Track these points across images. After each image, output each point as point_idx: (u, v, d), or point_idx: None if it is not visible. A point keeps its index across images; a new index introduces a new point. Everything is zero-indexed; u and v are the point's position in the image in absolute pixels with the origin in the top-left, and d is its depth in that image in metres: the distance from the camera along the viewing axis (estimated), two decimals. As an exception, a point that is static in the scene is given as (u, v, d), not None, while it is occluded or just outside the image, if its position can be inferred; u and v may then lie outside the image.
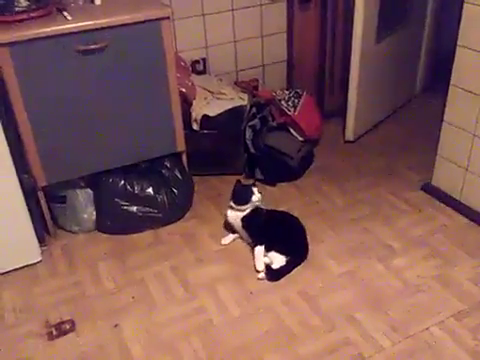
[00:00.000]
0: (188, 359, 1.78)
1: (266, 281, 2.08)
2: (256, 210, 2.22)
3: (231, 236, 2.28)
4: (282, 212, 2.31)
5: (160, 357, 1.80)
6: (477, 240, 2.25)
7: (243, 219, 2.21)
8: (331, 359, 1.75)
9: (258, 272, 2.10)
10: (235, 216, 2.24)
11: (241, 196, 2.21)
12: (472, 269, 2.10)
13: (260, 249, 2.12)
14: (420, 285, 2.03)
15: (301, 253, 2.18)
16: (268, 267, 2.10)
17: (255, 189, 2.21)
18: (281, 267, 2.09)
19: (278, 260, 2.10)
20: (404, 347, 1.78)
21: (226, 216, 2.29)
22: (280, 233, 2.18)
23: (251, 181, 2.39)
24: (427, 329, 1.84)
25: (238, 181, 2.30)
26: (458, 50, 2.23)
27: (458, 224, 2.36)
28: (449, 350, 1.76)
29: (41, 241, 2.28)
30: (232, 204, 2.23)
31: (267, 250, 2.12)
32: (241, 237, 2.29)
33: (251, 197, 2.19)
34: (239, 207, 2.21)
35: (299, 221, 2.25)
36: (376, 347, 1.78)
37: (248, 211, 2.21)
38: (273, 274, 2.09)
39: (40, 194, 2.27)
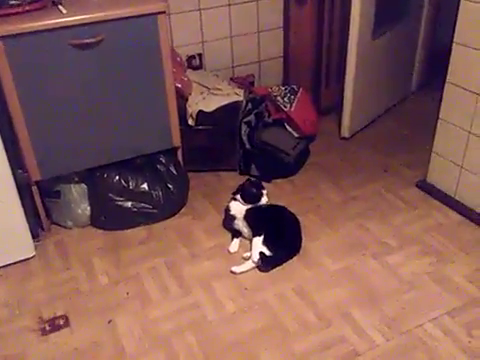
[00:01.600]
0: (182, 355, 1.78)
1: (261, 277, 2.08)
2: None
3: (236, 241, 2.27)
4: (280, 207, 2.31)
5: (154, 353, 1.79)
6: (471, 237, 2.26)
7: (247, 210, 2.24)
8: (325, 355, 1.76)
9: (253, 262, 2.11)
10: (239, 208, 2.26)
11: (252, 196, 2.26)
12: (466, 266, 2.10)
13: (259, 239, 2.12)
14: (414, 282, 2.03)
15: (293, 248, 2.19)
16: (262, 254, 2.10)
17: (265, 192, 2.26)
18: (271, 257, 2.10)
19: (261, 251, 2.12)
20: (398, 344, 1.78)
21: (227, 208, 2.30)
22: (274, 227, 2.19)
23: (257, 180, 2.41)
24: (421, 326, 1.84)
25: (248, 180, 2.36)
26: (454, 47, 2.22)
27: (453, 221, 2.37)
28: (443, 347, 1.77)
29: (35, 236, 2.28)
30: (238, 198, 2.26)
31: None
32: (240, 232, 2.28)
33: (261, 199, 2.25)
34: (247, 205, 2.26)
35: (295, 216, 2.26)
36: (370, 343, 1.78)
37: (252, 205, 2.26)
38: (266, 262, 2.09)
39: (34, 189, 2.26)
